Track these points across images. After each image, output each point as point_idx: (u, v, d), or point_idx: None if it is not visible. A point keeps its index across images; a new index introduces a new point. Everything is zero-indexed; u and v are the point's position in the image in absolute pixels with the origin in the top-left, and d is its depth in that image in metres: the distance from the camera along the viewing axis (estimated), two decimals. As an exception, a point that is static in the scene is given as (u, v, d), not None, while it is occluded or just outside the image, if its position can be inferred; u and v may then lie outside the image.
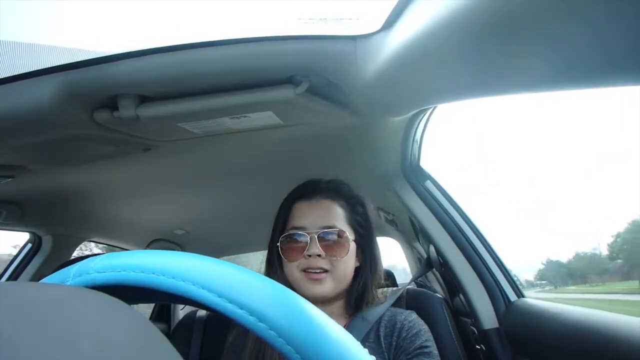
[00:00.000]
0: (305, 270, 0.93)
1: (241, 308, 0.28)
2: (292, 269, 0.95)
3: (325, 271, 0.92)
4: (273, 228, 1.04)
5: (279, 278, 0.96)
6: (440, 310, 1.17)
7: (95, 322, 0.21)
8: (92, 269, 0.30)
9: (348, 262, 0.96)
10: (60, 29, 0.88)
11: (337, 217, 0.99)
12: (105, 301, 0.24)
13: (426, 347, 0.89)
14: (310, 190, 1.03)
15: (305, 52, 0.85)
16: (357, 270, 1.00)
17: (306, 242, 0.94)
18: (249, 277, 0.30)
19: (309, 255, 0.92)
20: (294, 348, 0.27)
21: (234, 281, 0.29)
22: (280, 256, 0.97)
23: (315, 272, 0.92)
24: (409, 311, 0.99)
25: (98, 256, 0.32)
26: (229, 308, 0.28)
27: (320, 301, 0.93)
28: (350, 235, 0.97)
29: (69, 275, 0.31)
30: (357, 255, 0.99)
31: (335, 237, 0.95)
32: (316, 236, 0.94)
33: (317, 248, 0.93)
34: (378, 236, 1.09)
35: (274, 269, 0.99)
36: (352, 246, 0.97)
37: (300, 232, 0.95)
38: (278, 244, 0.98)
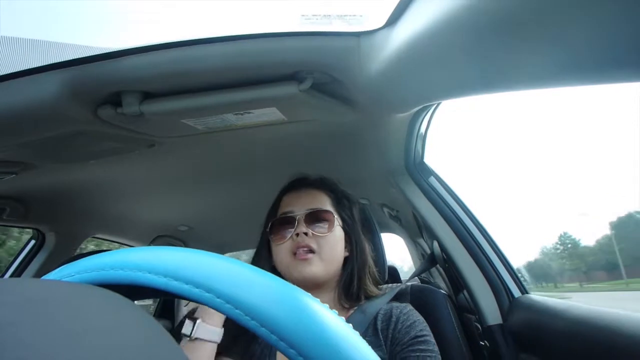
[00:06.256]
0: (294, 253, 0.95)
1: (187, 283, 0.28)
2: (282, 253, 0.97)
3: (312, 252, 0.94)
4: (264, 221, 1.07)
5: (266, 266, 0.99)
6: (444, 306, 1.17)
7: (98, 318, 0.21)
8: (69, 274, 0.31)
9: (335, 244, 0.98)
10: (64, 25, 0.88)
11: (324, 202, 1.02)
12: (108, 297, 0.24)
13: (421, 336, 0.89)
14: (298, 183, 1.08)
15: (308, 49, 0.85)
16: (346, 261, 1.02)
17: (294, 223, 0.97)
18: (208, 258, 0.30)
19: (297, 235, 0.95)
20: (261, 323, 0.27)
21: (180, 261, 0.29)
22: (269, 243, 1.01)
23: (303, 252, 0.94)
24: (404, 304, 0.99)
25: (75, 262, 0.32)
26: (174, 285, 0.28)
27: (311, 286, 0.95)
28: (337, 217, 1.01)
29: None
30: (345, 246, 1.02)
31: (322, 215, 0.99)
32: (303, 216, 0.97)
33: (304, 227, 0.96)
34: (382, 232, 1.10)
35: (263, 258, 1.02)
36: (339, 230, 1.00)
37: (289, 215, 0.99)
38: (267, 229, 1.01)
